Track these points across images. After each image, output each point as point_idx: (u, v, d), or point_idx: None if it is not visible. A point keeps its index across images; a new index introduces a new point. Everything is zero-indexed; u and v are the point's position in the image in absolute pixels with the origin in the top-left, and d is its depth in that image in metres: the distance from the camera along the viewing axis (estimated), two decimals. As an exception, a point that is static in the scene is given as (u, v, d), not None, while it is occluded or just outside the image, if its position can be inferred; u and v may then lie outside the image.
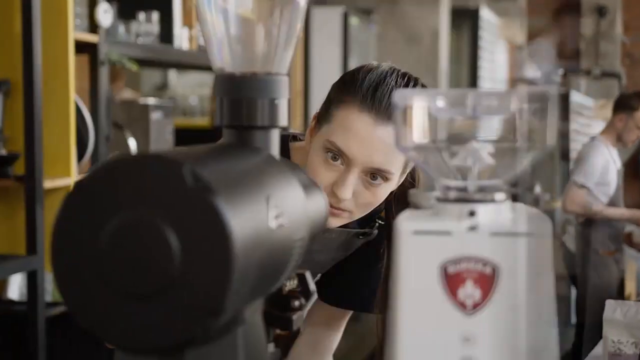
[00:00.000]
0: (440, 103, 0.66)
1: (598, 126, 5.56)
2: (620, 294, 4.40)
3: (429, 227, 0.65)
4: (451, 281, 0.64)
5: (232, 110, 0.73)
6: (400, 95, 0.67)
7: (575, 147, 6.09)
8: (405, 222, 0.65)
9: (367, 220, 1.40)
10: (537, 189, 6.32)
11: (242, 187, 0.63)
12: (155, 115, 3.22)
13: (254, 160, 0.71)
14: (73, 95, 2.57)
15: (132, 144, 3.08)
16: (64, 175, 2.58)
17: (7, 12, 2.51)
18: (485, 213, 0.65)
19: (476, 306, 0.65)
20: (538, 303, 0.65)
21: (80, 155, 2.70)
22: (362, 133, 1.21)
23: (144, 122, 3.18)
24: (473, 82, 7.64)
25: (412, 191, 0.73)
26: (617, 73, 7.65)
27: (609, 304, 1.94)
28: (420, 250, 0.65)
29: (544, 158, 6.71)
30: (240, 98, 0.73)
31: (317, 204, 0.80)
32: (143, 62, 3.39)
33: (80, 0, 2.71)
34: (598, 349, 2.15)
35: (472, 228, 0.64)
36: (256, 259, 0.62)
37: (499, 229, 0.64)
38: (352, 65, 4.93)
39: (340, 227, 1.36)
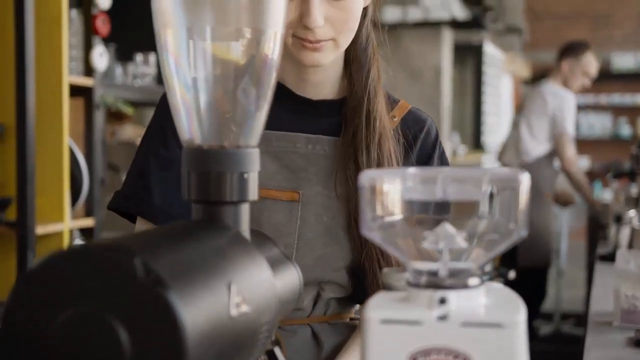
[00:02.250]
0: (410, 183, 0.63)
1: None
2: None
3: (397, 316, 0.61)
4: (421, 373, 0.61)
5: (199, 185, 0.71)
6: (367, 176, 0.64)
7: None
8: (373, 310, 0.62)
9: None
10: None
11: (200, 276, 0.60)
12: (152, 156, 3.19)
13: (218, 241, 0.68)
14: (67, 140, 2.54)
15: (128, 186, 3.05)
16: (57, 220, 2.55)
17: (1, 55, 2.49)
18: (458, 300, 0.62)
19: (447, 400, 0.61)
20: (513, 396, 0.61)
21: (74, 200, 2.67)
22: None
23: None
24: (477, 117, 7.61)
25: (385, 270, 0.70)
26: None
27: (621, 254, 1.70)
28: (388, 340, 0.61)
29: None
30: (208, 172, 0.70)
31: (288, 280, 0.77)
32: (140, 104, 3.37)
33: (76, 43, 2.70)
34: (607, 306, 1.85)
35: (443, 317, 0.61)
36: (215, 351, 0.59)
37: (471, 318, 0.61)
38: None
39: (323, 134, 1.29)
